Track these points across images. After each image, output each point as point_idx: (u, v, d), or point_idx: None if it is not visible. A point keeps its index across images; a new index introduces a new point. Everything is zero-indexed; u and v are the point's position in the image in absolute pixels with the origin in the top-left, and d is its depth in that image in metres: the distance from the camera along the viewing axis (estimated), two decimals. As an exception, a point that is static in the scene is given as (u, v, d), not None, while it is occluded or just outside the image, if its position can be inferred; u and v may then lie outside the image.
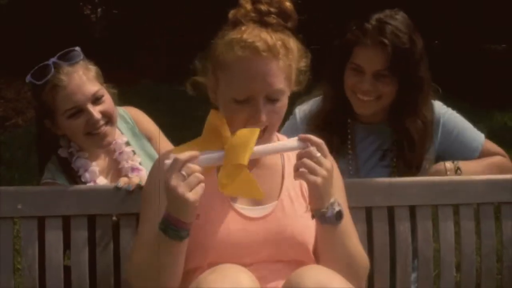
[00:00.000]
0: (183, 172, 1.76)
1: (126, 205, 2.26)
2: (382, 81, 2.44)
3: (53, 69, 2.32)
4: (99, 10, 11.29)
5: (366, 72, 2.44)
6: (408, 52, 2.42)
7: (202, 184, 1.77)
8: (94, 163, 2.45)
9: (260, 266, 1.87)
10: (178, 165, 1.76)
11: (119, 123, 2.52)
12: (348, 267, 1.87)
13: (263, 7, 1.90)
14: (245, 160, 1.82)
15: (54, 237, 2.24)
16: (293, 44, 1.94)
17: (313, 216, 1.88)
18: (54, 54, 2.38)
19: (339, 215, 1.87)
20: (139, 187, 2.23)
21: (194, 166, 1.77)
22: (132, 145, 2.53)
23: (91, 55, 2.46)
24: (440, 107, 2.59)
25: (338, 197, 1.95)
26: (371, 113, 2.53)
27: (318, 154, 1.82)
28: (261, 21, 1.90)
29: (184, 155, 1.78)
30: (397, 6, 2.54)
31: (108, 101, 2.40)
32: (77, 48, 2.41)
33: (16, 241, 2.29)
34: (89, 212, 2.27)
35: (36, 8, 8.34)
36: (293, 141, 1.89)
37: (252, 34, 1.88)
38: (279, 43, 1.89)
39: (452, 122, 2.58)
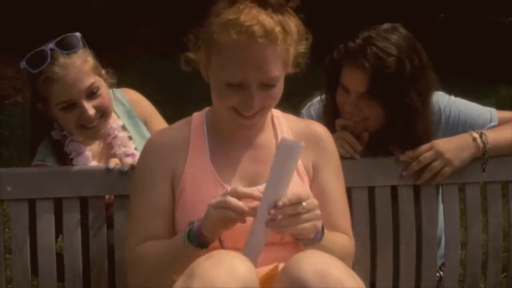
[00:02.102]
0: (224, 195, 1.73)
1: (119, 187, 2.20)
2: (365, 104, 2.30)
3: (49, 58, 2.22)
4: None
5: (351, 93, 2.32)
6: (392, 76, 2.24)
7: (229, 213, 1.70)
8: (87, 148, 2.37)
9: None
10: (230, 191, 1.73)
11: (116, 106, 2.43)
12: None
13: None
14: None
15: (45, 220, 2.18)
16: (293, 26, 1.83)
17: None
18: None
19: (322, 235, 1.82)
20: (132, 168, 2.16)
21: (230, 200, 1.71)
22: (128, 128, 2.45)
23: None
24: (441, 100, 2.45)
25: (336, 178, 1.95)
26: (358, 134, 2.37)
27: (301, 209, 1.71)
28: (260, 0, 1.78)
29: (242, 189, 1.74)
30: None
31: (104, 94, 2.31)
32: (77, 34, 2.29)
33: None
34: (82, 194, 2.21)
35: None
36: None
37: (250, 16, 1.76)
38: (278, 28, 1.77)
39: (455, 111, 2.44)
